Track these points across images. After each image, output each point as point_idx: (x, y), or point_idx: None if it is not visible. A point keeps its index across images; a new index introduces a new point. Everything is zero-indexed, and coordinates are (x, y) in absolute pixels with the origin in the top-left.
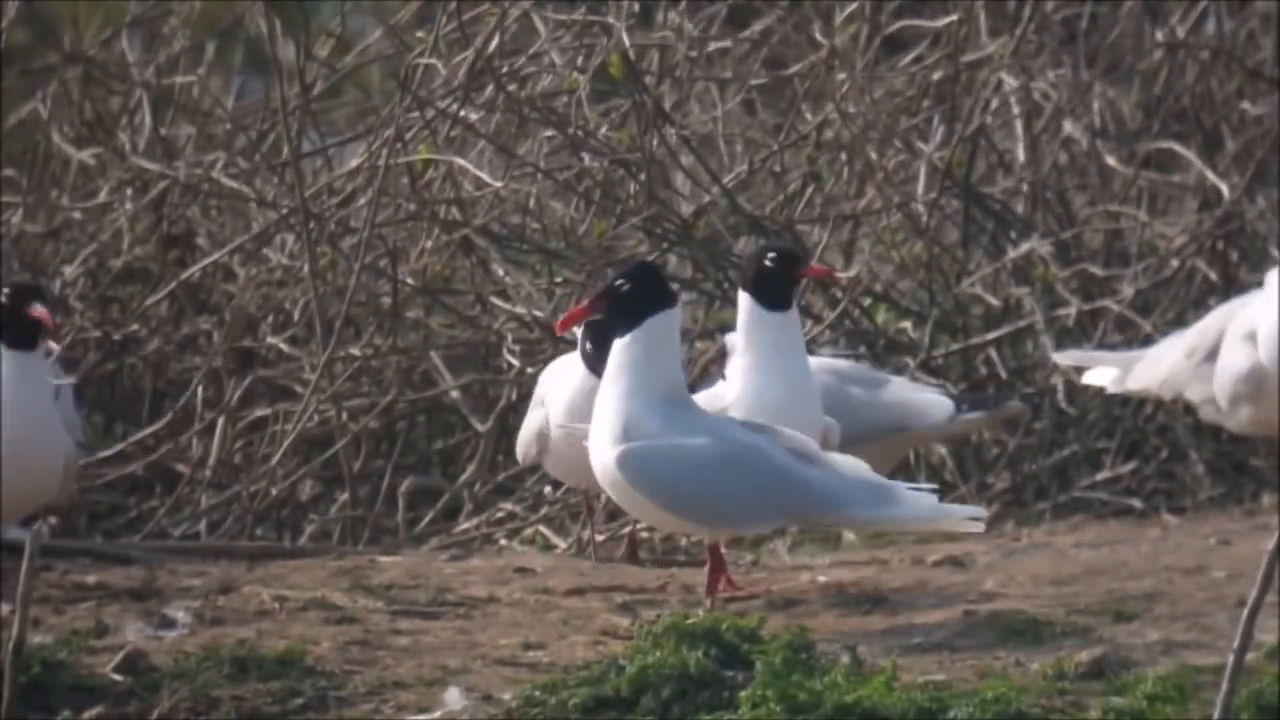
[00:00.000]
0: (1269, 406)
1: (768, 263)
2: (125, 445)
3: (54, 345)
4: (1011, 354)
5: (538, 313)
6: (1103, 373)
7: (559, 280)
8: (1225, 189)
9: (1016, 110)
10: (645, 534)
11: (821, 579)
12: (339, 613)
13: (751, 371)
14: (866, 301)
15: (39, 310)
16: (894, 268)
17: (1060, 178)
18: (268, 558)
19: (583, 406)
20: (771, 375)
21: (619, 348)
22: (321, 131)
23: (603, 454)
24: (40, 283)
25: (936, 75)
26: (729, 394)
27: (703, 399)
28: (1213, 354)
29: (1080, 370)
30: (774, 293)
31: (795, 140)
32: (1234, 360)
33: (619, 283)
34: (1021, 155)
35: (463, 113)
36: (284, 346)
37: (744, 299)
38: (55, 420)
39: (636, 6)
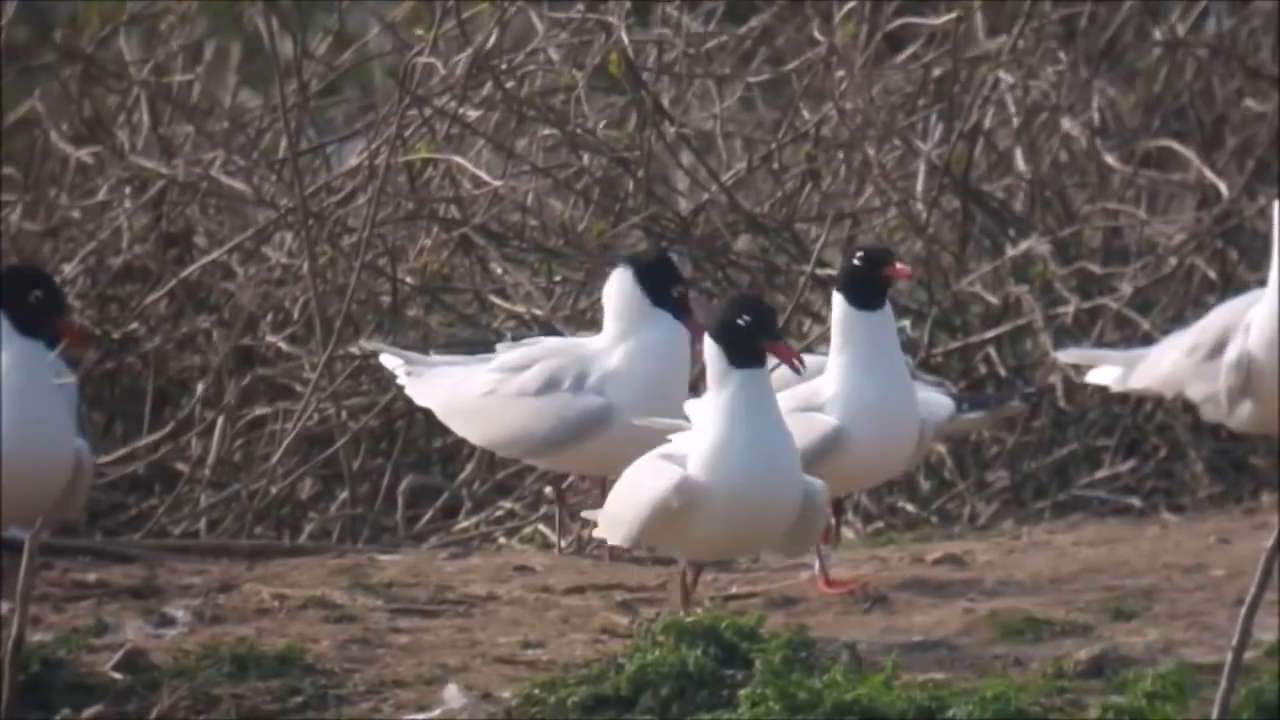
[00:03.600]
0: (1268, 401)
1: (855, 262)
2: (130, 450)
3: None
4: (1011, 352)
5: (537, 311)
6: (1106, 371)
7: (558, 279)
8: (1224, 187)
9: (1015, 108)
10: None
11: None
12: (338, 611)
13: (848, 370)
14: None
15: (67, 324)
16: None
17: (1059, 176)
18: (267, 556)
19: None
20: (868, 374)
21: (755, 380)
22: (320, 129)
23: (786, 485)
24: (43, 270)
25: (936, 73)
26: (825, 391)
27: (799, 395)
28: (1213, 351)
29: (1082, 369)
30: (863, 292)
31: (794, 138)
32: (1229, 353)
33: (742, 318)
34: (1020, 153)
35: (461, 110)
36: (283, 345)
37: (837, 299)
38: (62, 410)
39: (629, 4)
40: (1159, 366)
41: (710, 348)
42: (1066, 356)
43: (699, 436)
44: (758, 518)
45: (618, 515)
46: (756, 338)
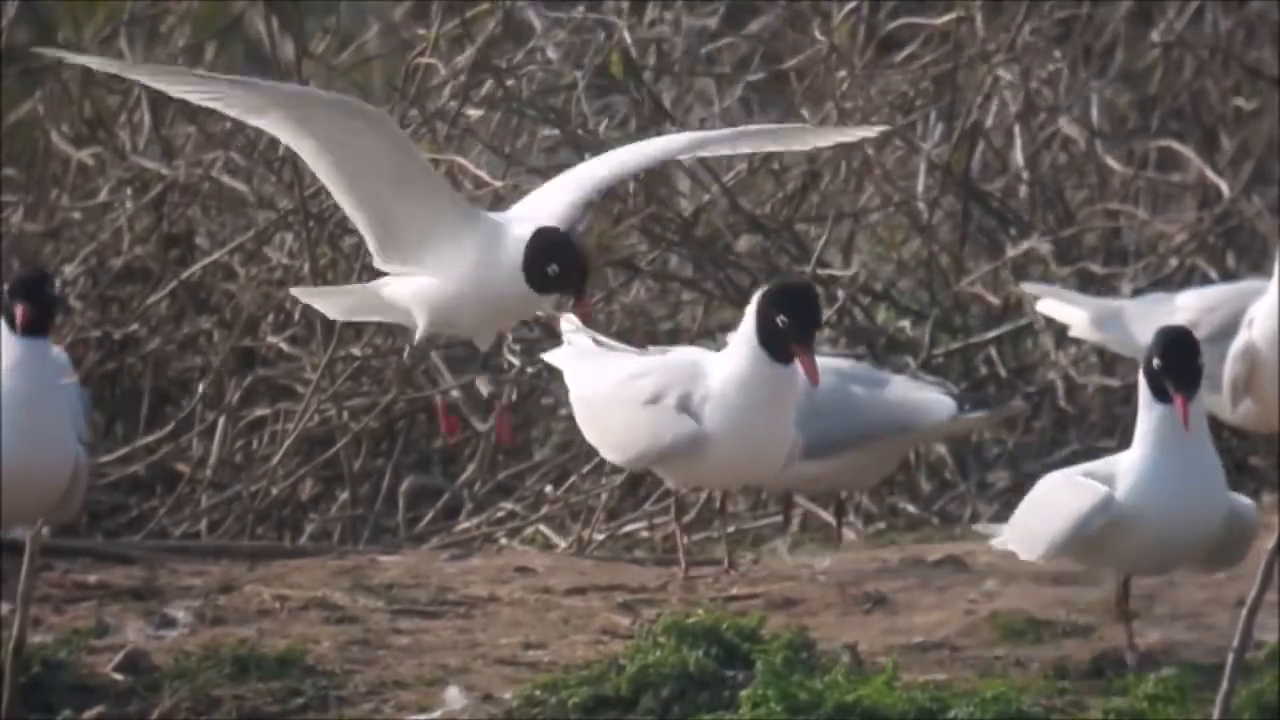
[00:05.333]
0: (1269, 397)
1: (1154, 364)
2: (130, 449)
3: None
4: (1012, 353)
5: (537, 312)
6: (1067, 311)
7: None
8: (1225, 187)
9: (1014, 108)
10: (646, 533)
11: (822, 578)
12: (339, 612)
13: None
14: (866, 300)
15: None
16: (894, 266)
17: (1058, 176)
18: (268, 557)
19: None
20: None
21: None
22: None
23: (1209, 507)
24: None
25: (934, 72)
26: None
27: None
28: (1215, 336)
29: (1038, 299)
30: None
31: None
32: (1234, 345)
33: (1156, 361)
34: (1019, 153)
35: (463, 110)
36: (284, 346)
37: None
38: (62, 415)
39: (628, 4)
40: (1143, 329)
41: (1141, 374)
42: (1030, 289)
43: (1128, 456)
44: (1181, 538)
45: (1035, 529)
46: (1162, 380)
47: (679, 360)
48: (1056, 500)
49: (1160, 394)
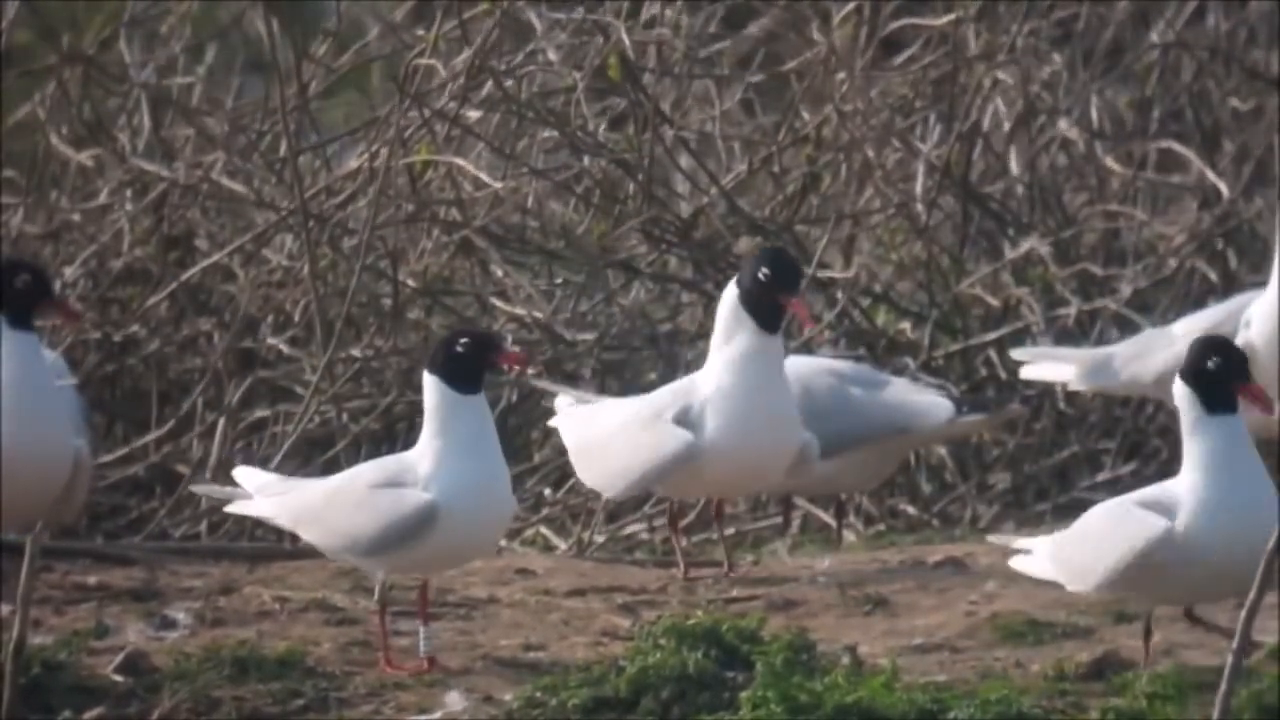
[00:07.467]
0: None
1: (1210, 365)
2: (130, 451)
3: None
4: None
5: (537, 314)
6: (1058, 369)
7: (559, 281)
8: (1224, 188)
9: (1013, 110)
10: (646, 535)
11: (822, 580)
12: (340, 614)
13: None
14: (866, 302)
15: (56, 304)
16: (893, 268)
17: (1058, 178)
18: (268, 558)
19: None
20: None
21: (1230, 427)
22: (320, 131)
23: (1265, 534)
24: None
25: (934, 74)
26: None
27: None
28: None
29: (1023, 363)
30: (1213, 394)
31: (794, 140)
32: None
33: (1212, 360)
34: (1017, 154)
35: (462, 111)
36: (284, 348)
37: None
38: (60, 407)
39: (627, 5)
40: (1148, 365)
41: (1181, 392)
42: (1020, 354)
43: (1179, 486)
44: (1243, 566)
45: (1087, 562)
46: (1226, 381)
47: (670, 386)
48: (1112, 533)
49: (1213, 403)
